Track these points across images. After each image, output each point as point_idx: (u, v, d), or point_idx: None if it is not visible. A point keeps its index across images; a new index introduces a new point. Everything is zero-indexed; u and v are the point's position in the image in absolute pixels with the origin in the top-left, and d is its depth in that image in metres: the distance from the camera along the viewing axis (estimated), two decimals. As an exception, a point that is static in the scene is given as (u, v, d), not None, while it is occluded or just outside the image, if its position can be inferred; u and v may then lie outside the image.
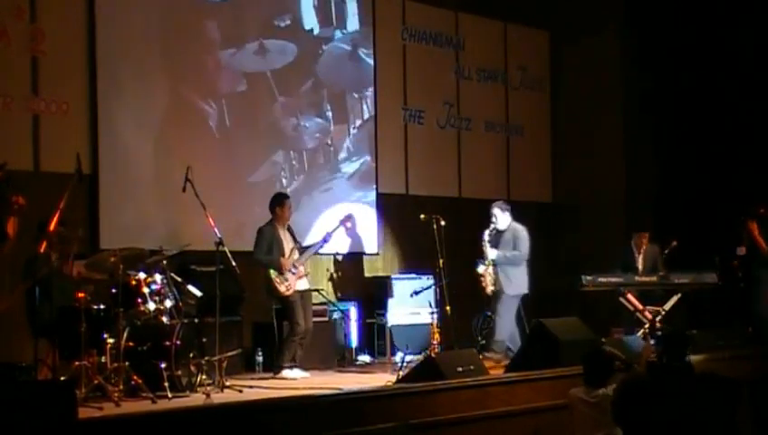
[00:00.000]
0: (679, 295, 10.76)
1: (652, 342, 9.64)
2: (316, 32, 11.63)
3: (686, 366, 6.70)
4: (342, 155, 11.80)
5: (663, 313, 10.68)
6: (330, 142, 11.65)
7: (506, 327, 10.22)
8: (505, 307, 10.23)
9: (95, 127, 9.69)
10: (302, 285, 9.74)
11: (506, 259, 10.20)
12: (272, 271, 9.59)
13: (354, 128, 11.91)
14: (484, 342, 10.33)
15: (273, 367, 9.55)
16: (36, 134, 9.34)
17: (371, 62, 12.12)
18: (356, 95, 12.01)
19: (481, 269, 10.19)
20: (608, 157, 13.60)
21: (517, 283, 10.29)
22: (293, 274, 9.63)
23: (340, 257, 11.51)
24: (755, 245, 10.87)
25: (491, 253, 10.18)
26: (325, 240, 10.11)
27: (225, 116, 10.68)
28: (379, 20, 12.31)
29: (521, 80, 13.98)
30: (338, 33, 11.83)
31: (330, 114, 11.67)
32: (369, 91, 12.11)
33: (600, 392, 6.64)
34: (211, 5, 10.71)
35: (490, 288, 10.19)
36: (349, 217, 10.61)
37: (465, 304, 10.57)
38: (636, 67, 13.60)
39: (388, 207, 12.08)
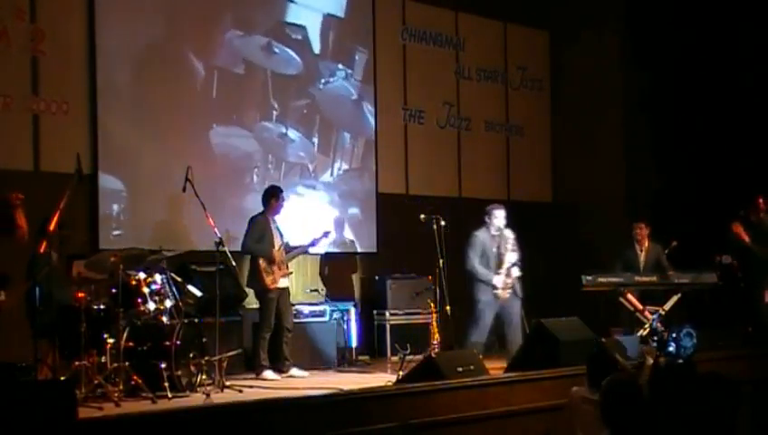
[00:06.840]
0: (679, 295, 10.76)
1: (654, 344, 9.60)
2: (323, 59, 11.62)
3: (689, 366, 6.67)
4: (320, 177, 11.63)
5: (663, 313, 10.68)
6: (310, 168, 11.52)
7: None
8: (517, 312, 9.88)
9: (95, 127, 9.70)
10: (284, 283, 9.62)
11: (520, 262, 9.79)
12: (261, 260, 9.48)
13: (340, 169, 11.80)
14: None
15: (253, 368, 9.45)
16: (36, 134, 9.35)
17: (372, 120, 12.05)
18: (348, 137, 11.89)
19: (503, 273, 9.74)
20: (608, 157, 13.60)
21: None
22: (279, 269, 9.55)
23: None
24: (745, 246, 10.91)
25: (511, 256, 9.79)
26: (312, 244, 10.06)
27: (213, 86, 10.61)
28: (379, 20, 12.31)
29: (521, 80, 13.99)
30: (342, 72, 11.77)
31: (316, 141, 11.56)
32: (361, 141, 11.96)
33: None
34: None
35: (508, 292, 9.81)
36: (327, 233, 10.45)
37: (465, 305, 10.55)
38: (636, 67, 13.59)
39: (388, 207, 12.07)
